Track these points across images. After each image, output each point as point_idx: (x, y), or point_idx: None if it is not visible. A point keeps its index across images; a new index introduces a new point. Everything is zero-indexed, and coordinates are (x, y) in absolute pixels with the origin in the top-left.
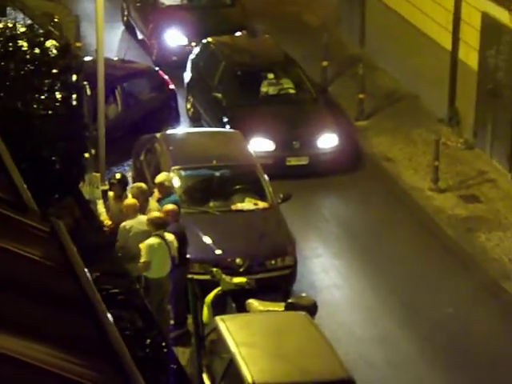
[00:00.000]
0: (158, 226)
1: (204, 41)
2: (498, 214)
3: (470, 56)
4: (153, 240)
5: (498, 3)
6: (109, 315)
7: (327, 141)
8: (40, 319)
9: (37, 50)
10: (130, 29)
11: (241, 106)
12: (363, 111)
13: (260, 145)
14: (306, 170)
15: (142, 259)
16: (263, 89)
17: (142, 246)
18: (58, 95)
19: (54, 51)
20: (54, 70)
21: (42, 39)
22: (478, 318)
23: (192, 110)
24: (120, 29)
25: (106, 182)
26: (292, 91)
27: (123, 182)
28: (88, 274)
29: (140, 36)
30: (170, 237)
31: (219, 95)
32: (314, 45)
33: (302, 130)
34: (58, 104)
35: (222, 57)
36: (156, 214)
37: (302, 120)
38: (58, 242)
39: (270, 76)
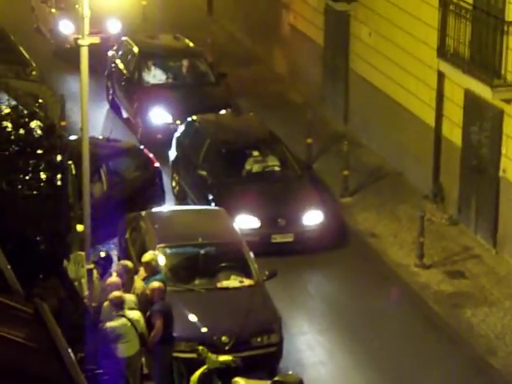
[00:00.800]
0: (116, 305)
1: (189, 119)
2: (483, 289)
3: (453, 132)
4: (115, 323)
5: (480, 80)
6: None
7: (312, 218)
8: None
9: (21, 131)
10: (115, 107)
11: (226, 183)
12: (348, 188)
13: (245, 222)
14: (292, 247)
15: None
16: (248, 166)
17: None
18: (43, 175)
19: (39, 132)
20: (39, 151)
21: (26, 120)
22: None
23: (177, 187)
24: (105, 107)
25: (91, 261)
26: (277, 168)
27: (108, 261)
28: (72, 355)
29: (125, 115)
30: (135, 314)
31: (204, 173)
32: (298, 122)
33: (288, 207)
34: (42, 184)
35: (206, 134)
36: (115, 293)
37: (287, 197)
38: (41, 324)
39: (255, 153)
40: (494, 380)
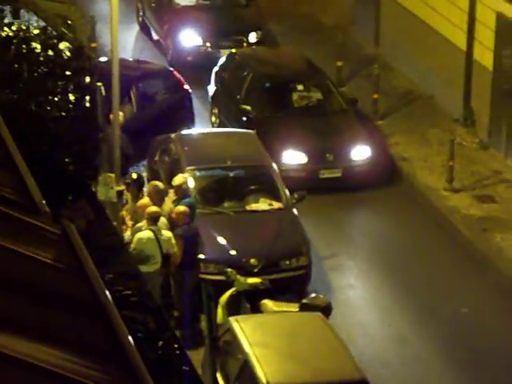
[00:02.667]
0: (152, 219)
1: (228, 52)
2: None
3: (484, 56)
4: (143, 234)
5: None
6: (120, 318)
7: (360, 153)
8: (50, 322)
9: (50, 52)
10: (145, 29)
11: (270, 118)
12: (378, 111)
13: (292, 157)
14: (340, 183)
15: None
16: (292, 100)
17: (134, 238)
18: (72, 97)
19: (68, 53)
20: (68, 72)
21: (55, 41)
22: (493, 317)
23: (217, 122)
24: (135, 29)
25: (121, 183)
26: (322, 102)
27: (139, 182)
28: (99, 276)
29: (155, 36)
30: (166, 234)
31: (247, 108)
32: (328, 45)
33: (335, 142)
34: (71, 106)
35: (248, 68)
36: (153, 208)
37: (335, 131)
38: (69, 245)
39: (299, 87)
40: None
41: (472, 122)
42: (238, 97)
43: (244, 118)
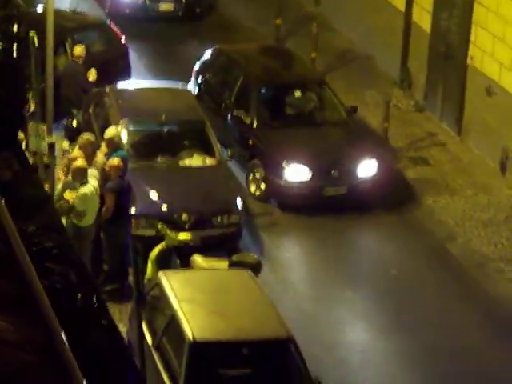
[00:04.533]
0: (80, 174)
1: (212, 49)
2: (446, 176)
3: (423, 18)
4: (87, 189)
5: None
6: (33, 268)
7: (367, 168)
8: None
9: None
10: None
11: (269, 127)
12: (315, 70)
13: (295, 173)
14: (344, 201)
15: (79, 208)
16: (290, 108)
17: (75, 194)
18: None
19: None
20: None
21: None
22: (423, 279)
23: None
24: None
25: (52, 135)
26: (321, 111)
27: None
28: (15, 228)
29: None
30: (95, 183)
31: (242, 115)
32: (267, 2)
33: (341, 157)
34: None
35: (238, 70)
36: (78, 163)
37: (339, 144)
38: None
39: (297, 93)
40: (451, 265)
41: (408, 84)
42: (227, 102)
43: (237, 126)
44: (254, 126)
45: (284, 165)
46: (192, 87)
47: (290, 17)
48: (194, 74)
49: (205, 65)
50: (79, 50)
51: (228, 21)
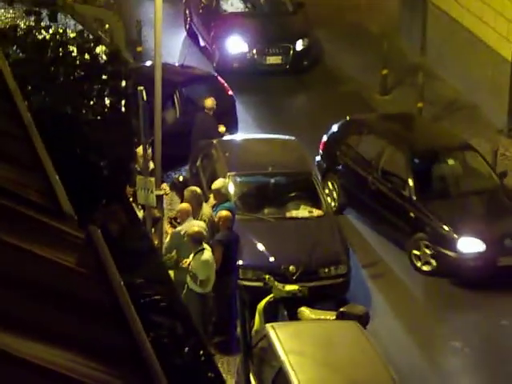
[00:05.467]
0: (196, 241)
1: (344, 120)
2: None
3: None
4: (207, 255)
5: None
6: (139, 322)
7: None
8: (69, 326)
9: (86, 56)
10: (192, 35)
11: (431, 199)
12: None
13: (469, 246)
14: None
15: (202, 277)
16: (448, 177)
17: (198, 262)
18: (107, 101)
19: (104, 57)
20: (104, 76)
21: (91, 45)
22: None
23: (338, 198)
24: (182, 35)
25: (161, 187)
26: (477, 179)
27: (185, 185)
28: (121, 281)
29: (202, 43)
30: (209, 250)
31: (396, 186)
32: (374, 53)
33: (510, 224)
34: (106, 110)
35: (384, 141)
36: (195, 229)
37: (506, 212)
38: (93, 250)
39: (451, 162)
40: None
41: None
42: (372, 173)
43: (397, 200)
44: (414, 197)
45: (457, 237)
46: (321, 160)
47: (395, 67)
48: (322, 147)
49: (336, 137)
50: (210, 102)
51: (334, 72)
